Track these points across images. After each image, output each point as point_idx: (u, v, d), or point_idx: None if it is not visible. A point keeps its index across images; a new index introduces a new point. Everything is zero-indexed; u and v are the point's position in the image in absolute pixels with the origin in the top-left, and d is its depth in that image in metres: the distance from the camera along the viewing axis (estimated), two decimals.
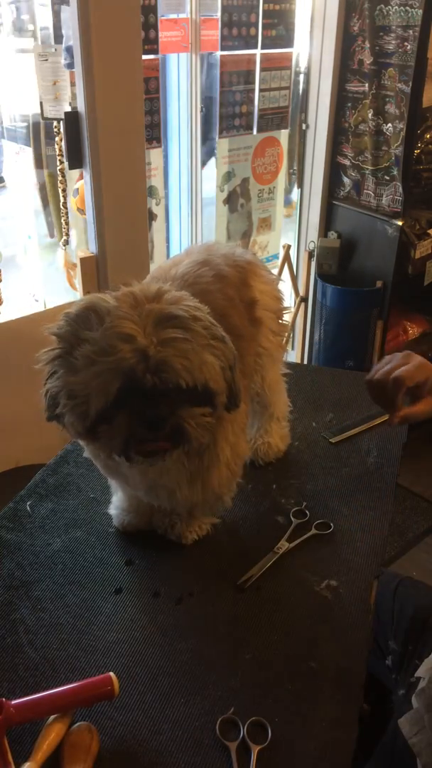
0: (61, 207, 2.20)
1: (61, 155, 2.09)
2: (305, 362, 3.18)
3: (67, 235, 2.25)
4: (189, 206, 2.61)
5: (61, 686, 0.81)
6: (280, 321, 1.21)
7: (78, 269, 2.14)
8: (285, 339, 1.26)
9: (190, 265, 1.03)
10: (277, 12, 2.54)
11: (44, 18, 2.11)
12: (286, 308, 1.24)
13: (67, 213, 2.21)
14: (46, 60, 1.98)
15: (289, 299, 3.09)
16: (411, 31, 2.38)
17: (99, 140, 1.96)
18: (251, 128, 2.67)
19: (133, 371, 0.75)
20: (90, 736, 0.78)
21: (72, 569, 1.05)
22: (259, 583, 1.02)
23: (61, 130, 2.04)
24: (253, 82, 2.58)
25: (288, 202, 3.05)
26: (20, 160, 2.39)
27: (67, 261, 2.27)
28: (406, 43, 2.41)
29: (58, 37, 2.02)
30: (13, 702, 0.77)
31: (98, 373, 0.75)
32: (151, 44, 2.14)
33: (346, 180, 2.85)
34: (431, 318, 3.17)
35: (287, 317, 1.25)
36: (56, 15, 2.03)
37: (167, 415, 0.77)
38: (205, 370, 0.78)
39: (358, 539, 1.10)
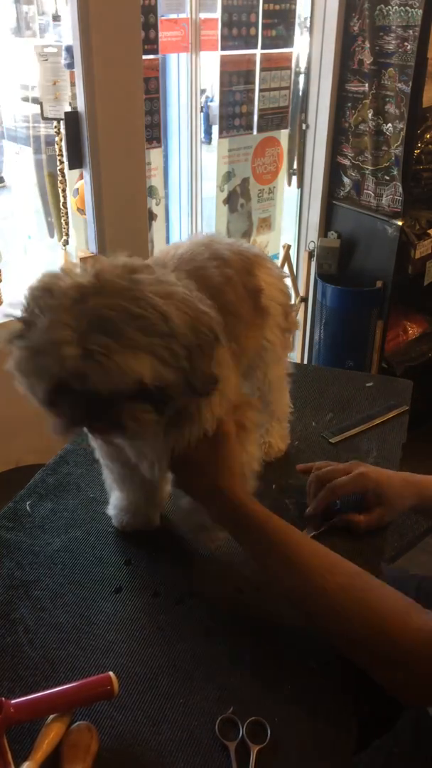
0: (61, 207, 2.20)
1: (61, 155, 2.09)
2: (305, 362, 3.18)
3: (67, 235, 2.25)
4: (189, 206, 2.61)
5: (61, 686, 0.80)
6: (289, 318, 1.19)
7: None
8: (291, 338, 1.25)
9: (190, 246, 1.05)
10: (277, 12, 2.54)
11: (45, 18, 2.11)
12: (294, 305, 1.23)
13: (67, 213, 2.21)
14: (46, 60, 1.98)
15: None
16: (411, 31, 2.38)
17: (99, 140, 1.96)
18: (251, 128, 2.67)
19: (60, 377, 0.76)
20: (90, 735, 0.78)
21: (72, 569, 1.05)
22: (259, 583, 1.02)
23: (61, 130, 2.04)
24: (253, 82, 2.58)
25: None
26: (20, 160, 2.40)
27: (67, 261, 2.27)
28: (406, 43, 2.41)
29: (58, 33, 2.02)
30: (13, 702, 0.77)
31: (34, 369, 0.78)
32: (151, 44, 2.14)
33: (346, 180, 2.85)
34: (431, 318, 3.17)
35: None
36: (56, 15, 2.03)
37: (102, 412, 0.78)
38: (129, 376, 0.76)
39: (357, 539, 1.10)
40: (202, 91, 2.55)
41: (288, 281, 1.25)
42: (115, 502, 1.13)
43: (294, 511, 1.16)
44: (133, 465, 1.04)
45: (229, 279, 1.03)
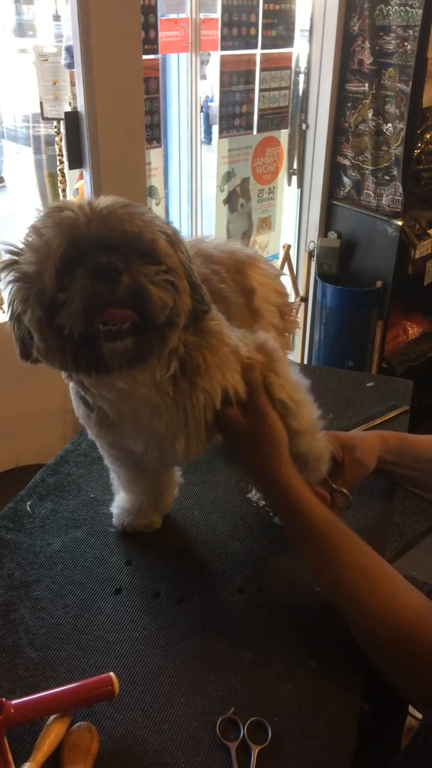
0: None
1: (61, 155, 2.09)
2: (305, 362, 3.18)
3: None
4: (189, 206, 2.61)
5: (61, 686, 0.81)
6: (286, 318, 1.17)
7: None
8: (290, 338, 1.23)
9: None
10: (277, 12, 2.54)
11: (45, 18, 2.11)
12: (293, 304, 1.21)
13: None
14: (46, 60, 1.98)
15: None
16: (411, 31, 2.38)
17: (99, 140, 1.96)
18: (251, 128, 2.67)
19: (76, 224, 0.74)
20: (90, 736, 0.78)
21: (72, 569, 1.05)
22: (259, 583, 1.02)
23: (61, 130, 2.04)
24: (253, 82, 2.58)
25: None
26: (20, 160, 2.40)
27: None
28: (406, 43, 2.41)
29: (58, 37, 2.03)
30: (13, 702, 0.77)
31: (43, 242, 0.75)
32: (151, 44, 2.14)
33: (346, 180, 2.85)
34: (431, 318, 3.18)
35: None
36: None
37: (121, 267, 0.74)
38: (146, 224, 0.77)
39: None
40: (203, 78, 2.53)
41: (285, 281, 1.23)
42: (119, 502, 1.12)
43: None
44: (141, 468, 1.04)
45: (217, 273, 1.02)
